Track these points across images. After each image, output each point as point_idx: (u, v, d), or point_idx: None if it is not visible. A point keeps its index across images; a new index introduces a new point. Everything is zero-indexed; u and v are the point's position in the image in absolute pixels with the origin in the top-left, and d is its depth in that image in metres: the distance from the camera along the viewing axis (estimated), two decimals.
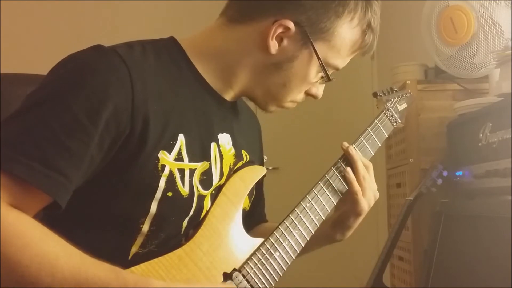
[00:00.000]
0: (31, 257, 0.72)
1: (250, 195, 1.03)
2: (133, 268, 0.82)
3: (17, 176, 0.74)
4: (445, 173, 1.79)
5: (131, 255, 0.87)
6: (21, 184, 0.75)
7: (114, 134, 0.81)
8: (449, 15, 1.84)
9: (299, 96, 1.01)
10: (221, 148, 0.96)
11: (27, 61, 1.95)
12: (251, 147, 1.09)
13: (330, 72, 0.98)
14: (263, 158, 1.19)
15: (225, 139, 0.98)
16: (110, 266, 0.77)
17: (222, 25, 0.97)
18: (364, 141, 1.08)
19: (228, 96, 1.00)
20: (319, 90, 1.02)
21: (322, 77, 0.99)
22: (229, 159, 0.98)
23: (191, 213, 0.91)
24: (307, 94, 1.02)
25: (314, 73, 0.97)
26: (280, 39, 0.93)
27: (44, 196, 0.77)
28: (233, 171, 1.00)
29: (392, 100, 1.20)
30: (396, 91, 1.23)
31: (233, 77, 0.97)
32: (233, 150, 0.99)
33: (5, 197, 0.74)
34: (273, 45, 0.93)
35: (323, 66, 0.95)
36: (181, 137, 0.88)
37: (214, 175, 0.94)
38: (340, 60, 0.99)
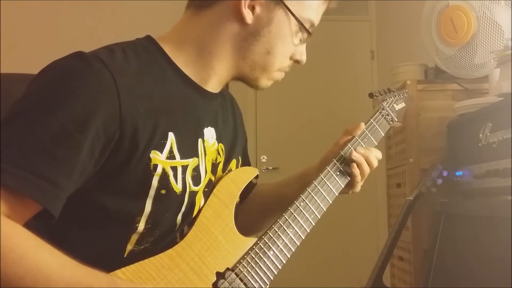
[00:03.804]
0: (26, 270, 0.72)
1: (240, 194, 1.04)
2: (123, 269, 0.83)
3: (6, 185, 0.74)
4: (445, 173, 1.79)
5: (126, 252, 0.87)
6: (11, 193, 0.75)
7: (104, 140, 0.81)
8: (449, 15, 1.84)
9: (285, 62, 1.01)
10: (205, 144, 0.96)
11: (27, 61, 1.95)
12: (232, 136, 1.08)
13: (308, 27, 0.99)
14: (247, 140, 1.19)
15: (209, 133, 0.98)
16: (104, 275, 0.78)
17: (192, 16, 0.97)
18: (359, 140, 1.09)
19: (213, 85, 0.99)
20: (302, 55, 1.03)
21: (300, 40, 1.00)
22: (211, 154, 0.98)
23: (183, 208, 0.92)
24: (293, 60, 1.02)
25: (293, 32, 0.98)
26: (252, 8, 0.94)
27: (34, 205, 0.77)
28: (219, 170, 1.01)
29: (388, 99, 1.20)
30: (393, 91, 1.24)
31: (215, 61, 0.96)
32: (216, 145, 1.00)
33: None
34: (248, 15, 0.94)
35: (299, 21, 0.97)
36: (171, 136, 0.89)
37: (202, 171, 0.95)
38: (313, 13, 1.00)
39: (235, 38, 0.95)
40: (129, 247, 0.87)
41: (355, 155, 1.05)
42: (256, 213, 1.14)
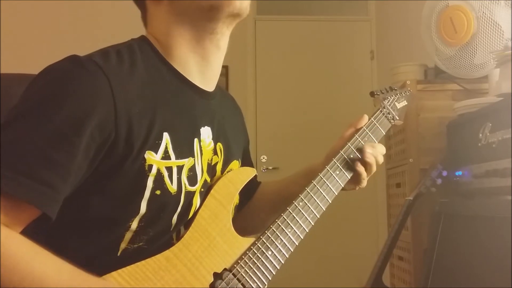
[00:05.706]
0: (21, 277, 0.72)
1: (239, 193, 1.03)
2: (119, 271, 0.82)
3: (3, 191, 0.74)
4: (444, 173, 1.79)
5: (120, 251, 0.87)
6: (8, 199, 0.74)
7: (99, 141, 0.81)
8: (449, 15, 1.84)
9: None
10: (201, 144, 0.96)
11: (27, 61, 1.95)
12: (231, 137, 1.07)
13: None
14: (248, 141, 1.19)
15: (206, 132, 0.97)
16: (100, 280, 0.78)
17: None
18: (359, 139, 1.08)
19: (206, 77, 0.98)
20: None
21: None
22: (207, 154, 0.98)
23: (179, 209, 0.91)
24: None
25: None
26: None
27: (33, 209, 0.76)
28: (218, 170, 1.01)
29: (389, 98, 1.20)
30: (395, 89, 1.23)
31: (178, 43, 0.95)
32: (212, 145, 0.99)
33: None
34: None
35: None
36: (166, 136, 0.88)
37: (198, 171, 0.94)
38: None
39: (166, 14, 0.95)
40: (123, 245, 0.87)
41: (368, 157, 1.05)
42: (265, 213, 1.14)
